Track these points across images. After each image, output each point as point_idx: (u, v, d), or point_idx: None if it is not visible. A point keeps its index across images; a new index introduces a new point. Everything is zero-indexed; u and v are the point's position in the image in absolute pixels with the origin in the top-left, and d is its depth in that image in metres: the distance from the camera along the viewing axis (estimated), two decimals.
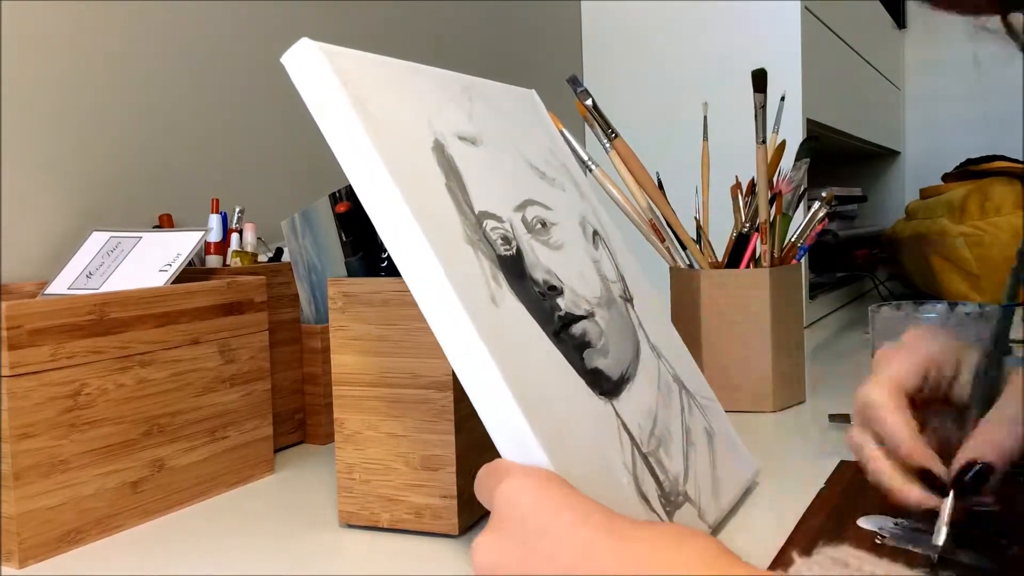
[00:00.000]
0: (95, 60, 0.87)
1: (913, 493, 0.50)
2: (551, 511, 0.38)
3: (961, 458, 0.48)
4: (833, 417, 0.82)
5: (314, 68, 0.46)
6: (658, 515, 0.48)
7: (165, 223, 0.89)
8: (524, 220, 0.54)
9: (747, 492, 0.63)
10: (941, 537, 0.48)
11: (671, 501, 0.50)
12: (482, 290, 0.45)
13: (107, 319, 0.60)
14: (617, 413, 0.50)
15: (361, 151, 0.45)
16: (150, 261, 0.72)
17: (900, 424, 0.50)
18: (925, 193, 1.92)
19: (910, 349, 0.53)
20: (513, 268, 0.49)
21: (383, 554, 0.56)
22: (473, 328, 0.42)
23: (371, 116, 0.46)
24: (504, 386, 0.42)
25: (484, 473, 0.44)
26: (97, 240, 0.78)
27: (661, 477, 0.51)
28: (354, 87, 0.46)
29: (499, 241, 0.50)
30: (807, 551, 0.35)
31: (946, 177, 1.92)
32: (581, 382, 0.49)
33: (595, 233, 0.62)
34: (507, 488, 0.40)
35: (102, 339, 0.60)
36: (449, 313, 0.43)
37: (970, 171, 1.82)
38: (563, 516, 0.38)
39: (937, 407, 0.54)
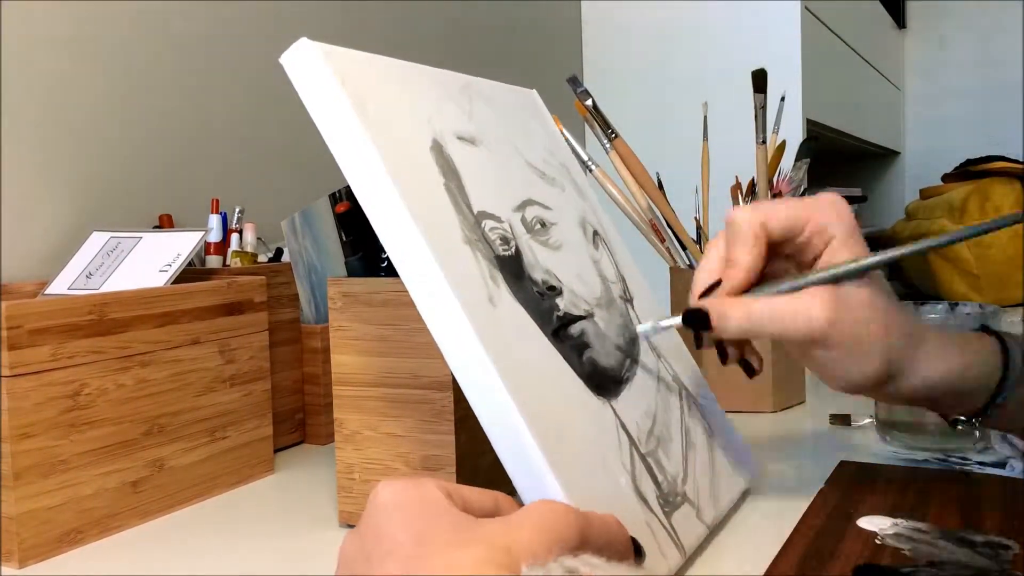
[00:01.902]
0: (95, 60, 0.87)
1: (691, 302, 0.52)
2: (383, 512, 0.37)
3: (705, 301, 0.52)
4: (834, 418, 0.82)
5: (313, 68, 0.46)
6: (656, 516, 0.48)
7: (165, 223, 0.89)
8: (523, 220, 0.54)
9: (747, 493, 0.63)
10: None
11: (669, 502, 0.50)
12: (479, 290, 0.45)
13: (107, 319, 0.60)
14: (615, 413, 0.50)
15: (359, 151, 0.45)
16: (150, 261, 0.72)
17: (745, 249, 0.51)
18: (925, 193, 1.92)
19: (800, 203, 0.53)
20: (512, 268, 0.49)
21: None
22: (470, 327, 0.42)
23: (369, 116, 0.46)
24: (501, 385, 0.42)
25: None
26: (97, 240, 0.78)
27: (659, 477, 0.51)
28: (353, 87, 0.46)
29: (498, 241, 0.50)
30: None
31: (946, 177, 1.92)
32: (579, 382, 0.49)
33: (595, 233, 0.62)
34: (377, 491, 0.39)
35: (102, 339, 0.60)
36: (446, 313, 0.43)
37: (970, 171, 1.82)
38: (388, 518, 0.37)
39: (782, 265, 0.54)
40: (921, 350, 0.53)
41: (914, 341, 0.53)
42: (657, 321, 0.57)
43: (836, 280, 0.50)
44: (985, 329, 0.58)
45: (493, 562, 0.33)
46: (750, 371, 0.56)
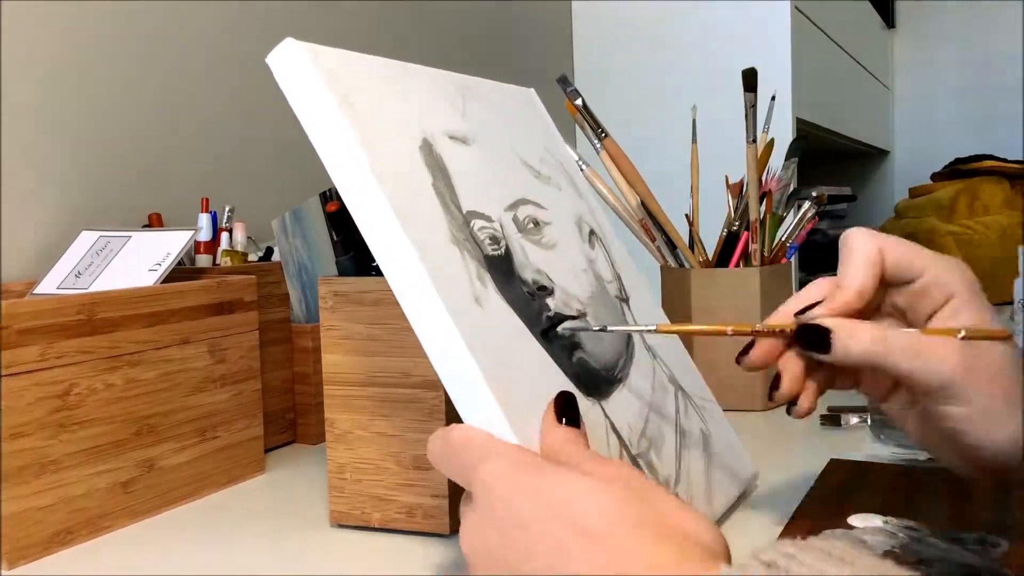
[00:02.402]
0: (84, 59, 0.87)
1: (776, 318, 0.48)
2: (522, 502, 0.37)
3: (827, 320, 0.46)
4: (824, 419, 0.82)
5: (299, 68, 0.46)
6: None
7: (155, 222, 0.89)
8: (515, 219, 0.54)
9: (743, 496, 0.63)
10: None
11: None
12: (465, 290, 0.45)
13: (96, 319, 0.60)
14: (606, 414, 0.50)
15: (345, 152, 0.45)
16: (139, 260, 0.72)
17: (859, 271, 0.47)
18: (914, 192, 1.93)
19: (923, 251, 0.48)
20: (501, 268, 0.49)
21: (374, 554, 0.56)
22: (454, 328, 0.42)
23: (357, 116, 0.46)
24: (485, 386, 0.42)
25: (456, 444, 0.42)
26: (86, 239, 0.77)
27: (650, 479, 0.51)
28: (339, 87, 0.46)
29: (487, 241, 0.50)
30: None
31: (935, 176, 1.93)
32: (568, 383, 0.49)
33: (591, 232, 0.62)
34: (484, 473, 0.39)
35: (91, 339, 0.59)
36: (430, 313, 0.43)
37: (959, 170, 1.83)
38: (537, 509, 0.36)
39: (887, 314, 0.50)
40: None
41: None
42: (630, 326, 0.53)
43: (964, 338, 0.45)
44: None
45: (695, 557, 0.33)
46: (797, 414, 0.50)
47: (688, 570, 0.32)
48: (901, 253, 0.47)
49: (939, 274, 0.47)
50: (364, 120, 0.46)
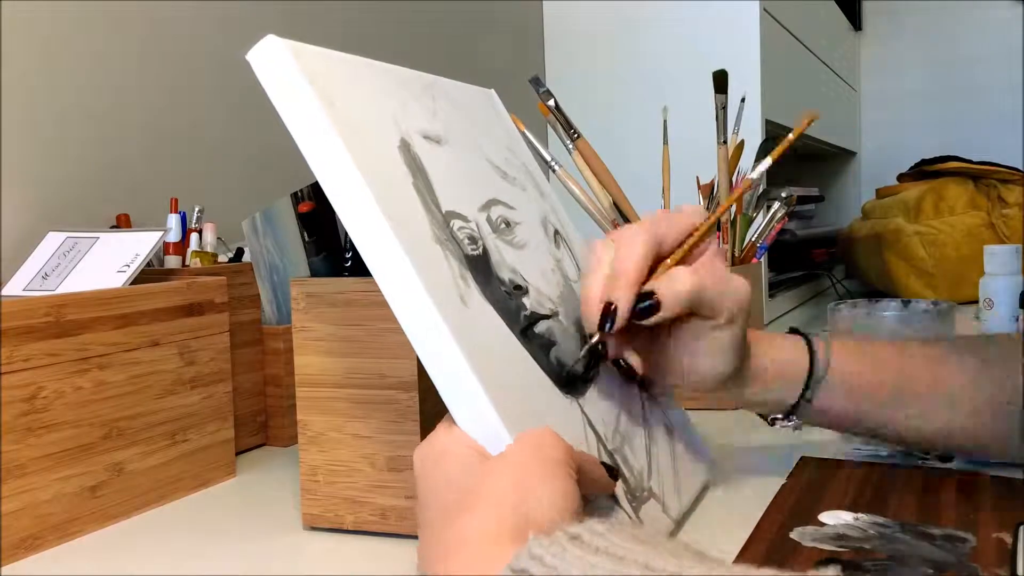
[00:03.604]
0: (49, 58, 0.85)
1: (591, 310, 0.51)
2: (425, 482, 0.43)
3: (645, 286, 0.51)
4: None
5: (280, 65, 0.45)
6: (625, 511, 0.48)
7: (123, 223, 0.88)
8: (489, 220, 0.54)
9: (710, 488, 0.63)
10: (580, 356, 0.53)
11: (636, 497, 0.51)
12: (451, 290, 0.45)
13: (64, 321, 0.59)
14: (583, 411, 0.51)
15: (329, 149, 0.44)
16: (108, 262, 0.71)
17: (637, 253, 0.51)
18: (881, 193, 1.95)
19: (685, 214, 0.55)
20: (480, 268, 0.49)
21: (347, 556, 0.55)
22: (446, 328, 0.42)
23: (338, 114, 0.45)
24: (478, 385, 0.42)
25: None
26: (53, 240, 0.76)
27: (627, 474, 0.51)
28: (321, 85, 0.46)
29: (466, 240, 0.50)
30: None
31: (901, 177, 1.95)
32: (548, 380, 0.49)
33: (556, 232, 0.62)
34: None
35: (59, 341, 0.59)
36: (421, 313, 0.43)
37: (925, 171, 1.85)
38: (426, 487, 0.43)
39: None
40: (753, 345, 0.58)
41: (748, 340, 0.57)
42: (584, 346, 0.54)
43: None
44: (794, 331, 0.62)
45: (503, 531, 0.36)
46: (631, 374, 0.56)
47: (503, 547, 0.35)
48: (664, 231, 0.54)
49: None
50: (345, 119, 0.46)
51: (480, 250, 0.50)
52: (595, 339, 0.52)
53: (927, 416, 0.60)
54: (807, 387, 0.59)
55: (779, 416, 0.62)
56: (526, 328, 0.50)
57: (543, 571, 0.32)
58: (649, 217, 0.54)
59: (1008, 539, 0.50)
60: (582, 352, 0.52)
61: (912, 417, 0.60)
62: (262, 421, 0.82)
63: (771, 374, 0.59)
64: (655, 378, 0.58)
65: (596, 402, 0.53)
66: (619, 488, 0.49)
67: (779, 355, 0.59)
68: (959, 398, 0.59)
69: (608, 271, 0.52)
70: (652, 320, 0.51)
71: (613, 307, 0.50)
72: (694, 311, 0.53)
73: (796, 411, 0.60)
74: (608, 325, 0.50)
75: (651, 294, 0.51)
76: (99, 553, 0.58)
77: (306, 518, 0.59)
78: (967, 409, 0.59)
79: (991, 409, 0.59)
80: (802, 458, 0.69)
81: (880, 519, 0.55)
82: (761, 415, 0.64)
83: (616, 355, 0.55)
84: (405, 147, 0.50)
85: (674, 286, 0.51)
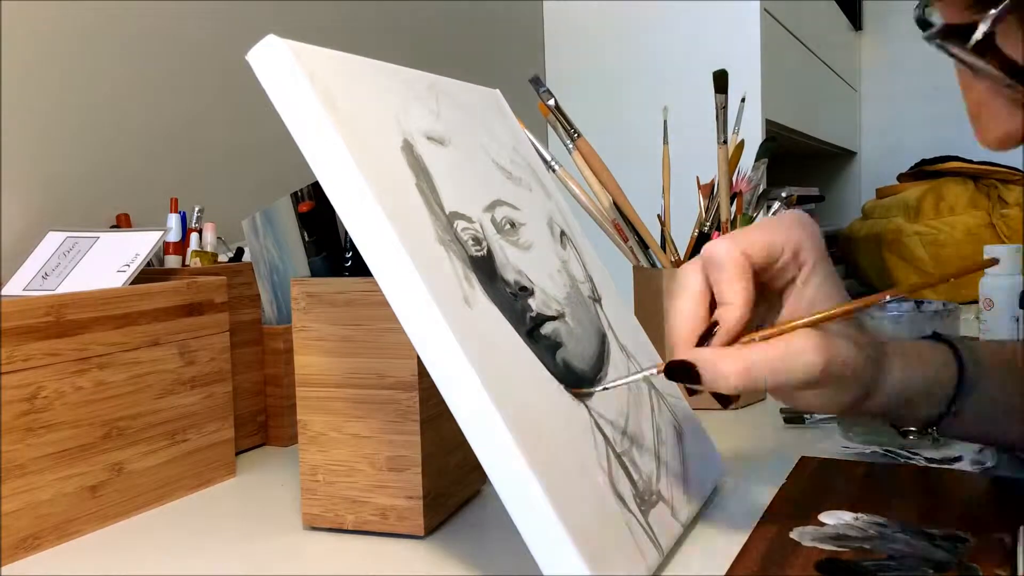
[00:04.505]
0: (50, 57, 0.85)
1: (672, 341, 0.49)
2: None
3: (692, 356, 0.48)
4: (788, 419, 0.83)
5: (282, 66, 0.45)
6: (634, 515, 0.48)
7: (123, 223, 0.88)
8: (493, 220, 0.54)
9: (714, 490, 0.63)
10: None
11: (645, 500, 0.50)
12: (455, 291, 0.45)
13: (64, 321, 0.59)
14: (590, 413, 0.50)
15: (332, 150, 0.44)
16: (108, 262, 0.71)
17: (736, 287, 0.48)
18: (881, 193, 1.95)
19: (773, 227, 0.51)
20: (484, 269, 0.49)
21: (348, 556, 0.55)
22: (449, 331, 0.42)
23: (340, 115, 0.45)
24: (481, 388, 0.42)
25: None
26: (53, 240, 0.76)
27: (635, 476, 0.51)
28: (322, 85, 0.46)
29: (470, 241, 0.49)
30: None
31: (901, 177, 1.96)
32: (554, 382, 0.49)
33: (562, 233, 0.62)
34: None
35: (59, 341, 0.58)
36: (423, 315, 0.43)
37: (925, 171, 1.85)
38: None
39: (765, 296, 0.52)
40: (886, 367, 0.52)
41: (880, 360, 0.52)
42: (624, 376, 0.54)
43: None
44: (937, 337, 0.57)
45: None
46: (726, 402, 0.52)
47: None
48: (763, 245, 0.49)
49: (794, 246, 0.50)
50: (348, 119, 0.46)
51: (484, 251, 0.50)
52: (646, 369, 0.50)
53: None
54: (953, 401, 0.55)
55: (913, 429, 0.57)
56: (532, 330, 0.50)
57: None
58: (728, 250, 0.49)
59: (1008, 539, 0.50)
60: (653, 370, 0.50)
61: None
62: (262, 421, 0.82)
63: (912, 391, 0.54)
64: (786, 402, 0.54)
65: (603, 404, 0.52)
66: (628, 491, 0.49)
67: (921, 371, 0.54)
68: None
69: (694, 304, 0.49)
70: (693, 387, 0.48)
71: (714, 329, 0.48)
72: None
73: (939, 424, 0.56)
74: (680, 379, 0.48)
75: (693, 368, 0.47)
76: (99, 553, 0.58)
77: (306, 518, 0.59)
78: None
79: None
80: (802, 458, 0.68)
81: (880, 519, 0.55)
82: (896, 426, 0.59)
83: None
84: (408, 148, 0.50)
85: (717, 380, 0.47)
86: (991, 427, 0.57)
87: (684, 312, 0.50)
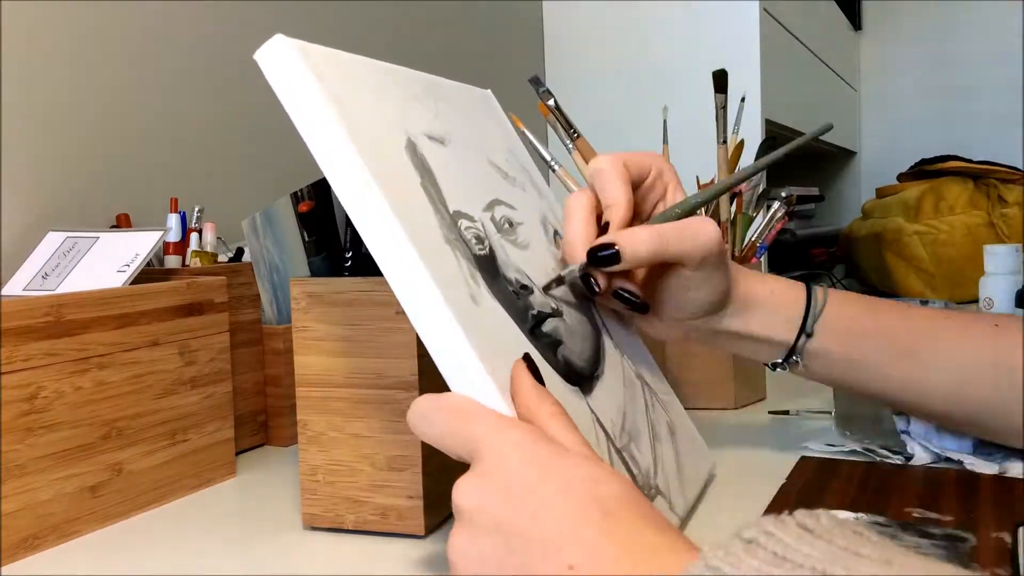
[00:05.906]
0: (50, 57, 0.85)
1: (572, 249, 0.54)
2: (540, 472, 0.38)
3: (607, 237, 0.53)
4: (773, 412, 0.84)
5: (289, 65, 0.45)
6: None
7: (123, 223, 0.88)
8: (493, 220, 0.54)
9: (710, 487, 0.63)
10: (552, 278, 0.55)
11: (644, 494, 0.51)
12: (462, 289, 0.45)
13: (64, 320, 0.59)
14: (591, 409, 0.51)
15: (340, 149, 0.44)
16: (108, 262, 0.71)
17: (620, 187, 0.55)
18: (881, 192, 1.95)
19: (640, 153, 0.59)
20: (488, 267, 0.49)
21: (348, 556, 0.55)
22: (459, 328, 0.42)
23: (347, 114, 0.45)
24: (492, 386, 0.42)
25: (455, 408, 0.42)
26: (53, 240, 0.76)
27: (635, 471, 0.51)
28: (329, 85, 0.46)
29: (473, 241, 0.50)
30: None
31: (901, 177, 1.95)
32: (558, 378, 0.49)
33: (555, 232, 0.62)
34: (500, 442, 0.40)
35: (59, 341, 0.58)
36: (434, 313, 0.43)
37: (925, 171, 1.85)
38: (557, 483, 0.37)
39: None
40: (742, 284, 0.60)
41: (738, 273, 0.60)
42: (556, 273, 0.56)
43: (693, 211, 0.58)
44: (800, 279, 0.64)
45: (682, 548, 0.35)
46: (634, 301, 0.55)
47: (679, 555, 0.35)
48: (637, 162, 0.58)
49: (659, 168, 0.60)
50: (354, 118, 0.46)
51: (487, 250, 0.51)
52: (573, 269, 0.54)
53: (928, 372, 0.59)
54: (805, 320, 0.60)
55: (779, 361, 0.62)
56: (534, 327, 0.50)
57: None
58: (612, 160, 0.56)
59: (1008, 539, 0.50)
60: (564, 275, 0.55)
61: (913, 369, 0.59)
62: (262, 421, 0.82)
63: (769, 304, 0.60)
64: (654, 313, 0.60)
65: (603, 400, 0.53)
66: None
67: (776, 286, 0.61)
68: (963, 358, 0.59)
69: (587, 214, 0.55)
70: (610, 269, 0.53)
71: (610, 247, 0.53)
72: (663, 262, 0.55)
73: (795, 350, 0.61)
74: (601, 261, 0.52)
75: (611, 245, 0.52)
76: (99, 553, 0.58)
77: (306, 518, 0.59)
78: (971, 371, 0.58)
79: (996, 374, 0.58)
80: (802, 458, 0.69)
81: (880, 519, 0.55)
82: (765, 364, 0.64)
83: (611, 288, 0.55)
84: (412, 147, 0.50)
85: (635, 246, 0.52)
86: (846, 365, 0.61)
87: (576, 228, 0.55)
